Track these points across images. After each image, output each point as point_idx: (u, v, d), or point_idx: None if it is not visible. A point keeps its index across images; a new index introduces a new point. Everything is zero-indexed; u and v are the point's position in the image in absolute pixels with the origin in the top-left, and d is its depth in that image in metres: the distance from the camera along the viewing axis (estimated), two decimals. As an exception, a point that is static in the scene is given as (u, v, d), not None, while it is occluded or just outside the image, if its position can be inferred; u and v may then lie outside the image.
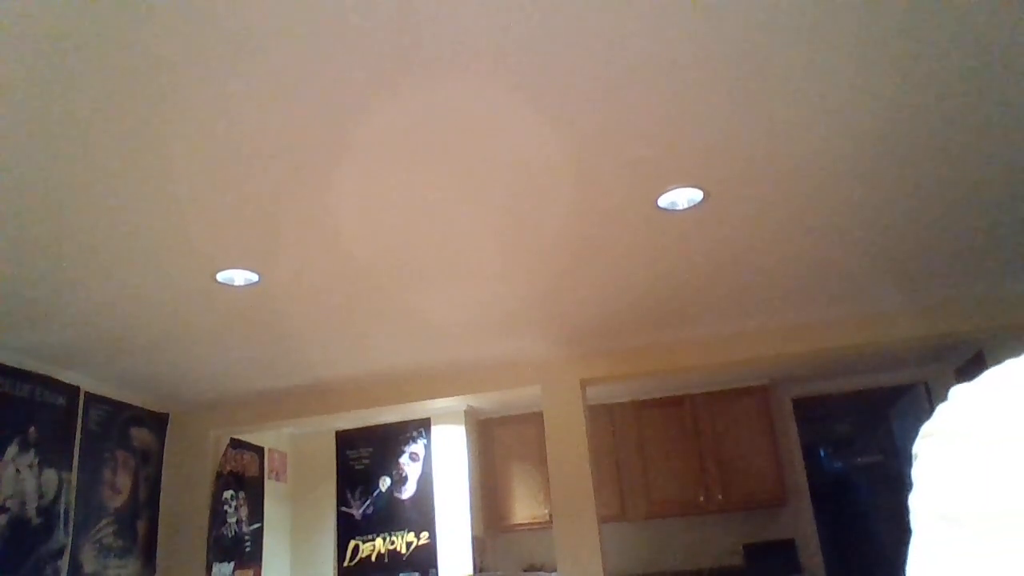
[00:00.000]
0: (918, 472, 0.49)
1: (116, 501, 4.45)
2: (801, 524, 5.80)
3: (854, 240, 3.34)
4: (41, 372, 3.98)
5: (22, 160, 2.23)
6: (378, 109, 2.14)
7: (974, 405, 0.47)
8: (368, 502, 5.81)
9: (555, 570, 4.58)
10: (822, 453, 7.98)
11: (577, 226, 2.99)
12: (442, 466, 5.73)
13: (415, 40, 1.88)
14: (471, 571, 5.42)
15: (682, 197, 2.81)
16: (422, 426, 5.82)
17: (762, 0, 1.84)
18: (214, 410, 5.09)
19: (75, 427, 4.19)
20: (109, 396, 4.49)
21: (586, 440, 4.62)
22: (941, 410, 0.50)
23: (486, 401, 5.57)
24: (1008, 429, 0.44)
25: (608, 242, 3.15)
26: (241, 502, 5.34)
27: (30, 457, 3.83)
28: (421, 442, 5.81)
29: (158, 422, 4.95)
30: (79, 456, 4.18)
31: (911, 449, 0.52)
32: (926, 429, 0.50)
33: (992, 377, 0.48)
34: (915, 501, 0.49)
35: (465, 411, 5.79)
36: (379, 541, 5.70)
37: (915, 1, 1.88)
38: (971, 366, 5.42)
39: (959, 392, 0.49)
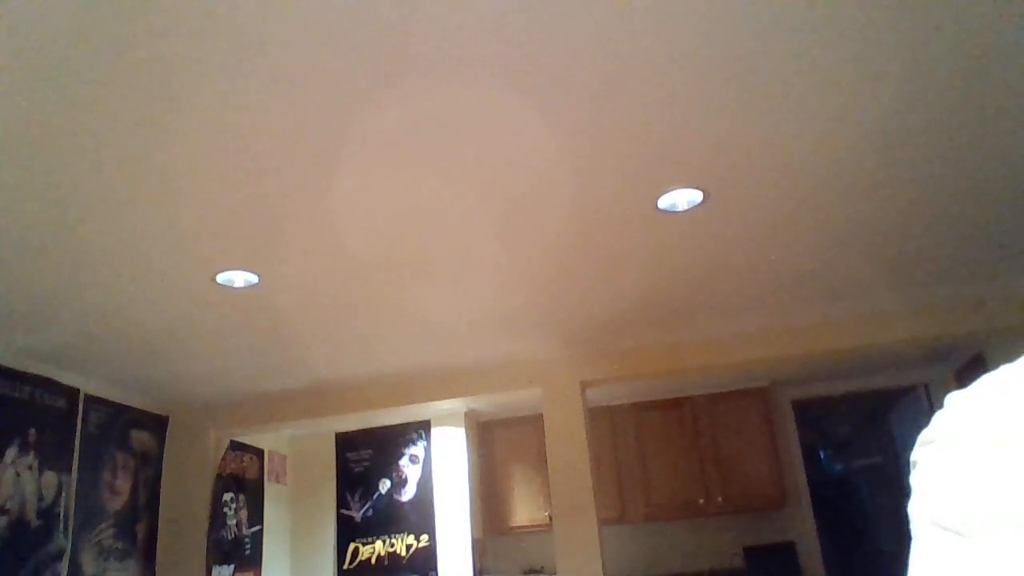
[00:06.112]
0: (917, 480, 0.49)
1: (116, 503, 4.45)
2: (801, 526, 5.80)
3: (854, 240, 3.34)
4: (41, 374, 3.98)
5: (22, 161, 2.23)
6: (378, 109, 2.14)
7: (971, 412, 0.47)
8: (368, 504, 5.81)
9: (555, 572, 4.57)
10: (822, 455, 7.98)
11: (577, 226, 2.99)
12: (442, 468, 5.73)
13: (415, 40, 1.88)
14: (471, 573, 5.42)
15: (682, 197, 2.81)
16: (422, 428, 5.82)
17: (763, 1, 1.84)
18: (214, 412, 5.09)
19: (75, 429, 4.18)
20: (109, 398, 4.49)
21: (586, 442, 4.62)
22: (938, 418, 0.50)
23: (486, 403, 5.57)
24: (1004, 435, 0.44)
25: (608, 242, 3.15)
26: (241, 504, 5.33)
27: (30, 459, 3.83)
28: (421, 444, 5.80)
29: (158, 424, 4.94)
30: (79, 458, 4.18)
31: (911, 453, 0.52)
32: (924, 437, 0.50)
33: (987, 383, 0.48)
34: (915, 509, 0.49)
35: (465, 413, 5.79)
36: (379, 544, 5.69)
37: (915, 2, 1.88)
38: (971, 367, 5.41)
39: (955, 399, 0.49)
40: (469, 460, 5.74)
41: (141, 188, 2.43)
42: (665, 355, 4.67)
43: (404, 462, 5.82)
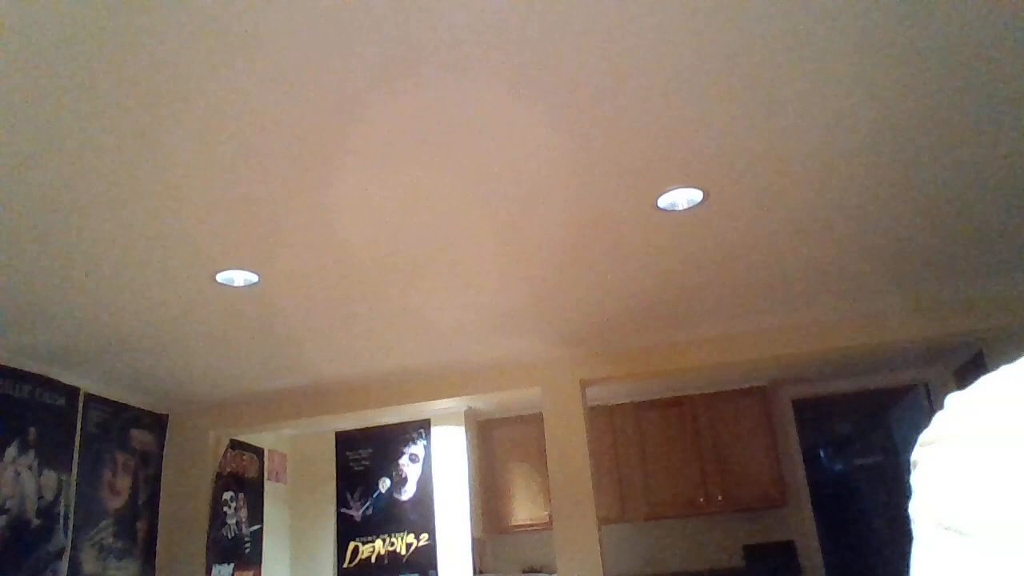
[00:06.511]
0: (917, 480, 0.49)
1: (116, 502, 4.45)
2: (801, 525, 5.80)
3: (854, 240, 3.34)
4: (41, 373, 3.98)
5: (22, 161, 2.23)
6: (378, 109, 2.14)
7: (971, 412, 0.47)
8: (368, 503, 5.81)
9: (555, 572, 4.58)
10: (822, 454, 7.98)
11: (577, 226, 2.99)
12: (442, 467, 5.73)
13: (415, 40, 1.88)
14: (471, 572, 5.42)
15: (682, 197, 2.81)
16: (422, 427, 5.82)
17: (762, 1, 1.84)
18: (214, 411, 5.09)
19: (75, 428, 4.19)
20: (109, 397, 4.49)
21: (586, 441, 4.62)
22: (938, 418, 0.49)
23: (486, 402, 5.57)
24: (1005, 435, 0.44)
25: (608, 242, 3.15)
26: (241, 503, 5.33)
27: (30, 458, 3.83)
28: (421, 443, 5.81)
29: (158, 423, 4.95)
30: (79, 457, 4.18)
31: (910, 453, 0.52)
32: (924, 437, 0.50)
33: (987, 383, 0.48)
34: (915, 509, 0.49)
35: (465, 412, 5.79)
36: (379, 542, 5.69)
37: (914, 2, 1.88)
38: (971, 367, 5.42)
39: (956, 399, 0.49)
40: (469, 459, 5.74)
41: (141, 187, 2.43)
42: (665, 354, 4.67)
43: (404, 461, 5.82)
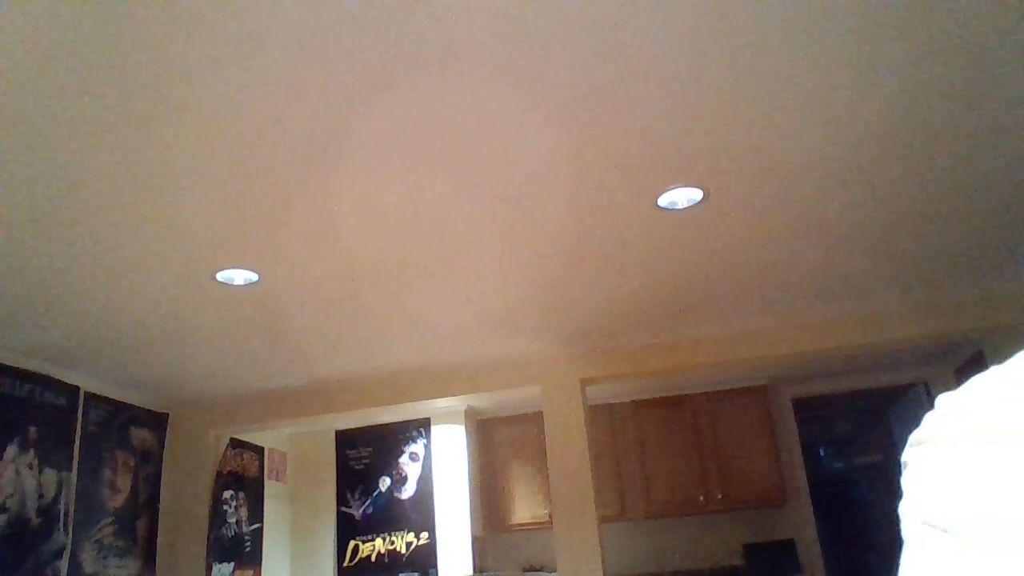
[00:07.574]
0: (907, 481, 0.49)
1: (116, 501, 4.46)
2: (801, 524, 5.80)
3: (854, 240, 3.33)
4: (41, 372, 3.98)
5: (23, 160, 2.23)
6: (378, 109, 2.14)
7: (961, 412, 0.47)
8: (368, 502, 5.81)
9: (555, 570, 4.58)
10: (822, 453, 7.99)
11: (577, 226, 2.99)
12: (442, 466, 5.73)
13: (415, 40, 1.88)
14: (471, 571, 5.42)
15: (682, 197, 2.81)
16: (422, 426, 5.82)
17: (762, 1, 1.84)
18: (214, 410, 5.09)
19: (75, 427, 4.19)
20: (109, 396, 4.49)
21: (586, 440, 4.62)
22: (928, 418, 0.49)
23: (486, 401, 5.57)
24: (995, 435, 0.44)
25: (608, 242, 3.15)
26: (241, 502, 5.34)
27: (30, 457, 3.83)
28: (421, 442, 5.81)
29: (158, 422, 4.95)
30: (79, 456, 4.18)
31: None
32: (914, 437, 0.50)
33: (978, 384, 0.48)
34: (904, 509, 0.49)
35: (465, 411, 5.79)
36: (379, 541, 5.70)
37: (915, 1, 1.88)
38: (971, 366, 5.41)
39: (946, 400, 0.49)
40: (469, 458, 5.75)
41: (141, 186, 2.43)
42: (665, 353, 4.67)
43: (404, 460, 5.82)
